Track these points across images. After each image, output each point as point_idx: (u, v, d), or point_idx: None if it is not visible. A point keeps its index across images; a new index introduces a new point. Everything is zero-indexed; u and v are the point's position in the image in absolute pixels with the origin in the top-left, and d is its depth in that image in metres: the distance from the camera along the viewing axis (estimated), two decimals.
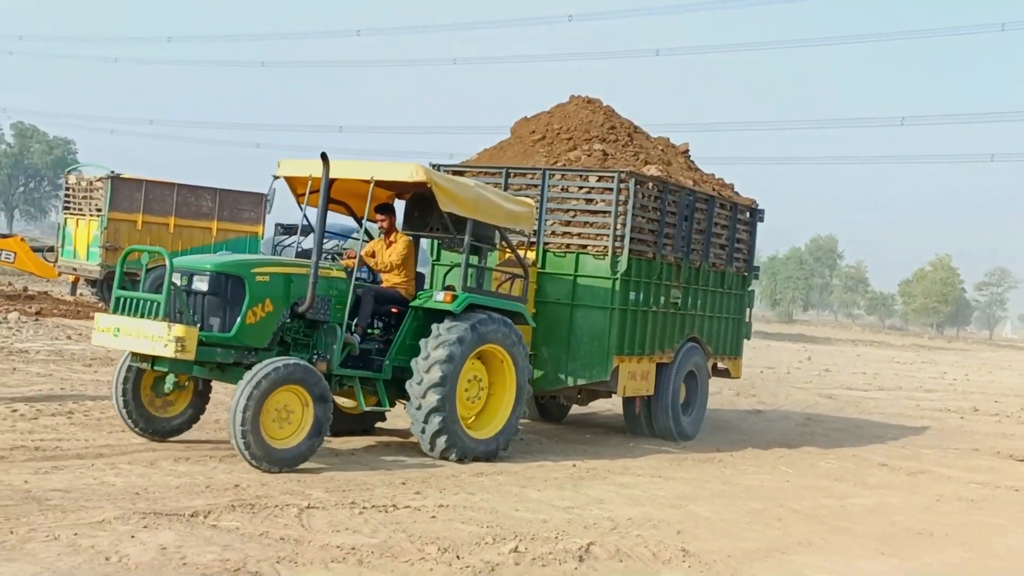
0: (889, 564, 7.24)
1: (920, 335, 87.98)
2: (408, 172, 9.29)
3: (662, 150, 13.05)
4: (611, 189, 11.10)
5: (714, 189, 13.18)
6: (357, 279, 9.46)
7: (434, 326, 9.38)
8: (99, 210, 22.17)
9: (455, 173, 11.56)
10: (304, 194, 9.79)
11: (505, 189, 11.43)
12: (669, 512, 8.19)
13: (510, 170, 11.72)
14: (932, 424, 16.59)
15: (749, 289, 13.83)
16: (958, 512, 9.38)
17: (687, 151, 13.61)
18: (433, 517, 7.25)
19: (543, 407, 13.20)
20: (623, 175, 11.08)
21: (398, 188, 10.34)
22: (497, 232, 10.31)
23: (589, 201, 11.34)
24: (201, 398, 9.38)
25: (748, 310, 13.84)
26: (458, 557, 6.30)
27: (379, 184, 9.60)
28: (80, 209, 23.02)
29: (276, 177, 9.82)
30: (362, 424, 10.64)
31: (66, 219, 23.56)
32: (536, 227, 11.12)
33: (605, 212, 11.17)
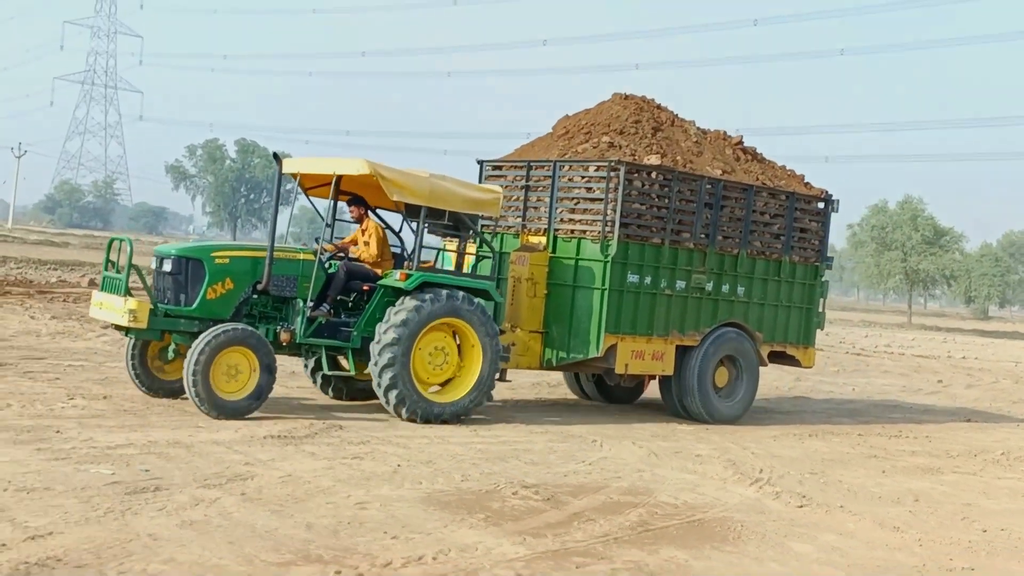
0: None
1: None
2: (356, 167, 10.35)
3: (696, 142, 13.28)
4: (604, 177, 11.83)
5: (760, 179, 13.28)
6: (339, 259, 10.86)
7: (400, 298, 10.48)
8: None
9: (494, 168, 13.08)
10: (311, 188, 11.21)
11: (527, 181, 12.54)
12: (995, 444, 12.76)
13: (531, 163, 12.71)
14: None
15: (823, 279, 13.76)
16: None
17: (740, 143, 13.89)
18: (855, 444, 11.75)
19: (603, 389, 13.75)
20: (613, 163, 11.70)
21: (353, 181, 10.95)
22: (467, 218, 11.01)
23: (589, 190, 12.04)
24: None
25: (821, 300, 13.77)
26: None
27: (340, 177, 10.53)
28: None
29: (283, 175, 10.72)
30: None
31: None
32: (499, 214, 11.66)
33: (600, 199, 11.84)
